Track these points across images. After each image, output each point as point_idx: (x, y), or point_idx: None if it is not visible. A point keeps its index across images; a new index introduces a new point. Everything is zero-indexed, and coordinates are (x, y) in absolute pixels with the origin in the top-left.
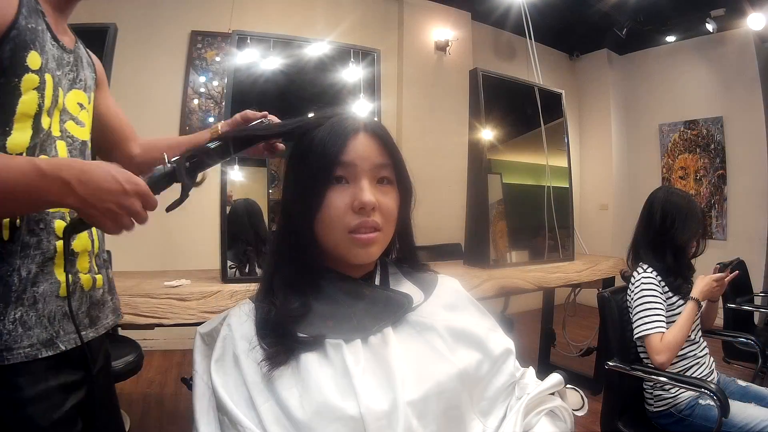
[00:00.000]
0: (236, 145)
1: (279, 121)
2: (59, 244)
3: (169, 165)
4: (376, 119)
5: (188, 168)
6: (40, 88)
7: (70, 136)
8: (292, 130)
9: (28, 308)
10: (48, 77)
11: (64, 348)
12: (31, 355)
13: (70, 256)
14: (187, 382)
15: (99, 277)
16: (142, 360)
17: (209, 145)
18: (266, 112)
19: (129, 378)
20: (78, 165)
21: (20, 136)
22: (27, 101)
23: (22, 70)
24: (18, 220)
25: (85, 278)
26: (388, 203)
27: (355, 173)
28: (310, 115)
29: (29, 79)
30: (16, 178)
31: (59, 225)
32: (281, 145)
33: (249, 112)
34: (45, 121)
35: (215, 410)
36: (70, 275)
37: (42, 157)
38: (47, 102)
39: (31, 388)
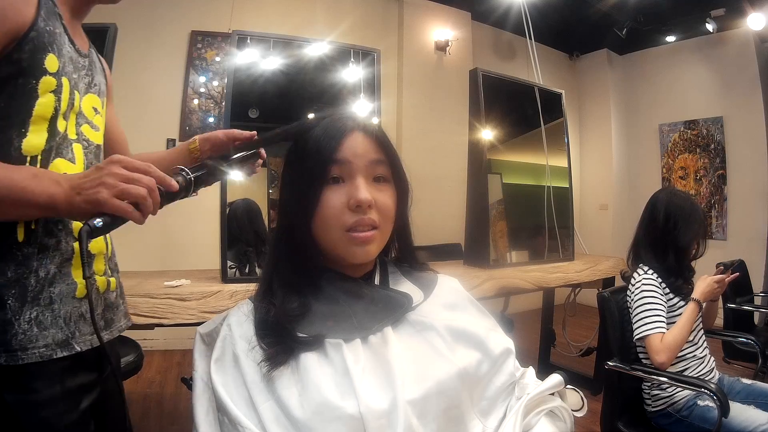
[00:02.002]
0: (242, 161)
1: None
2: (77, 245)
3: (191, 176)
4: (372, 118)
5: (194, 182)
6: (57, 92)
7: (86, 139)
8: (292, 131)
9: (44, 308)
10: (65, 81)
11: (79, 349)
12: (46, 355)
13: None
14: (187, 382)
15: (113, 280)
16: (142, 360)
17: (222, 165)
18: (255, 132)
19: (129, 378)
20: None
21: (36, 138)
22: (44, 104)
23: (40, 72)
24: (33, 223)
25: (100, 280)
26: (385, 200)
27: (351, 171)
28: (309, 116)
29: (46, 82)
30: (11, 179)
31: (77, 226)
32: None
33: (236, 131)
34: (61, 124)
35: (215, 410)
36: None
37: (56, 161)
38: (64, 105)
39: (46, 390)
